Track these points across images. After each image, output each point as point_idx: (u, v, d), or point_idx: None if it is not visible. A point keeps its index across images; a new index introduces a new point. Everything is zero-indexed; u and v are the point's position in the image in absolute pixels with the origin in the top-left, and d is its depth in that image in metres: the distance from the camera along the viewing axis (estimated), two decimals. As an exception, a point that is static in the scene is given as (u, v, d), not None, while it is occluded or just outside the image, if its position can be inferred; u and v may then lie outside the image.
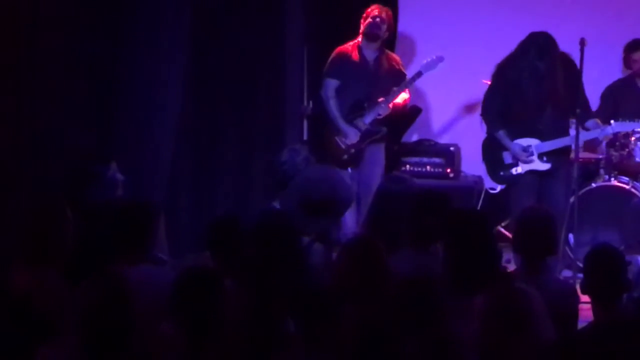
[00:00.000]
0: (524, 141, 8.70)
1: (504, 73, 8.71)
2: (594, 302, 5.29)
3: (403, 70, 9.43)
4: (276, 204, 8.64)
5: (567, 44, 8.77)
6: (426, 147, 10.61)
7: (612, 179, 9.32)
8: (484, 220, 5.87)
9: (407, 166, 10.46)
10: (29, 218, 6.13)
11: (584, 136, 8.73)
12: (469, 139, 10.48)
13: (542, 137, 8.67)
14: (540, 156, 8.68)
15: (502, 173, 8.84)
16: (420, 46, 10.19)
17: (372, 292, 5.22)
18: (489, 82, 8.88)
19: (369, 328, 4.80)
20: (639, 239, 8.97)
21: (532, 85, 8.53)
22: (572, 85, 8.56)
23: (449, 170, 10.44)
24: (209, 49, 9.66)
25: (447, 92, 10.72)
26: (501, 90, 8.76)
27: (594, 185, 9.31)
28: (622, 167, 9.31)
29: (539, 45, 8.48)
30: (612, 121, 8.84)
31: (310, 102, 10.23)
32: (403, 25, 10.69)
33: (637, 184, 9.31)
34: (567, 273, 8.44)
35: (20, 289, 5.43)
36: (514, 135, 8.71)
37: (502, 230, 9.62)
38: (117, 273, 5.32)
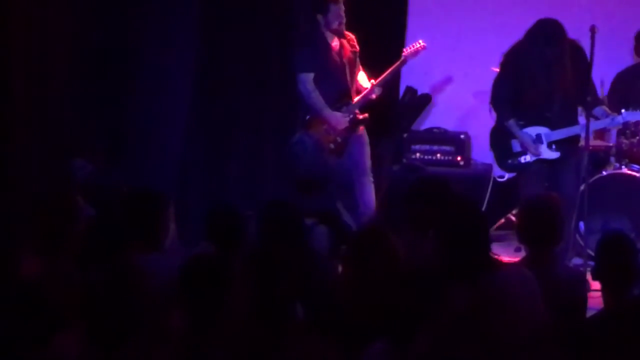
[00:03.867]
0: (533, 130, 8.65)
1: (513, 61, 8.66)
2: (604, 289, 5.31)
3: (356, 47, 9.33)
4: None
5: (577, 32, 8.74)
6: (436, 135, 10.60)
7: (623, 166, 9.28)
8: (474, 209, 5.86)
9: (417, 154, 10.44)
10: (39, 208, 6.16)
11: (594, 125, 8.67)
12: (479, 126, 10.42)
13: (551, 126, 8.61)
14: (549, 145, 8.63)
15: (510, 161, 8.81)
16: (431, 35, 10.14)
17: (381, 279, 5.19)
18: (498, 70, 8.84)
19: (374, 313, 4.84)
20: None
21: (541, 73, 8.47)
22: (582, 73, 8.50)
23: (459, 158, 10.43)
24: (219, 37, 9.68)
25: (457, 80, 10.76)
26: (510, 79, 8.69)
27: (604, 173, 9.26)
28: (632, 155, 9.26)
29: (547, 33, 8.42)
30: (622, 110, 8.78)
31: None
32: (413, 17, 10.70)
33: (648, 171, 9.28)
34: (577, 261, 8.42)
35: (30, 277, 5.46)
36: (523, 124, 8.66)
37: (512, 218, 9.59)
38: (128, 261, 5.36)
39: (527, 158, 8.70)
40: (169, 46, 9.43)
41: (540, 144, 8.62)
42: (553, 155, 8.62)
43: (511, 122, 8.68)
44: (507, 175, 8.98)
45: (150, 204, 6.16)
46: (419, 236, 6.15)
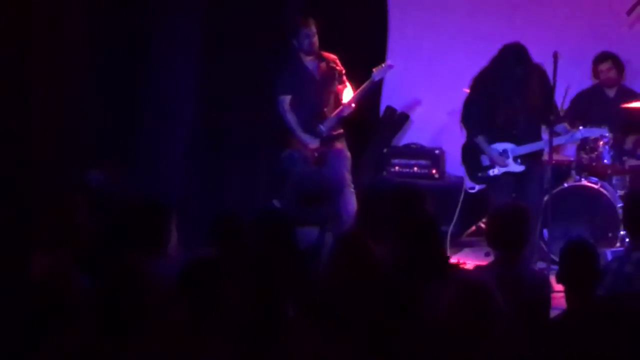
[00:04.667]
0: (500, 146, 8.65)
1: (484, 83, 8.68)
2: (568, 291, 5.26)
3: (339, 67, 9.33)
4: (276, 202, 8.68)
5: (541, 57, 8.73)
6: (413, 150, 10.58)
7: (583, 179, 9.29)
8: (429, 220, 5.84)
9: (397, 167, 10.40)
10: (47, 209, 6.11)
11: (556, 141, 8.69)
12: (452, 142, 10.43)
13: (517, 142, 8.62)
14: (515, 159, 8.64)
15: (480, 174, 8.80)
16: (409, 60, 10.11)
17: (361, 279, 5.22)
18: (468, 92, 8.80)
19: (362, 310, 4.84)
20: (606, 234, 8.96)
21: (512, 93, 8.50)
22: (545, 94, 8.53)
23: (434, 171, 10.40)
24: (218, 61, 9.67)
25: (432, 100, 10.74)
26: (481, 99, 8.69)
27: (566, 185, 9.29)
28: (591, 169, 9.30)
29: (515, 55, 8.43)
30: (580, 127, 8.80)
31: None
32: (393, 41, 10.66)
33: (605, 183, 9.29)
34: (541, 264, 8.37)
35: (37, 274, 5.41)
36: (491, 140, 8.66)
37: (482, 225, 9.55)
38: (133, 264, 5.29)
39: (495, 171, 8.70)
40: (172, 69, 9.45)
41: (506, 158, 8.57)
42: (518, 168, 8.63)
43: (480, 139, 8.67)
44: (477, 187, 8.98)
45: (155, 213, 6.13)
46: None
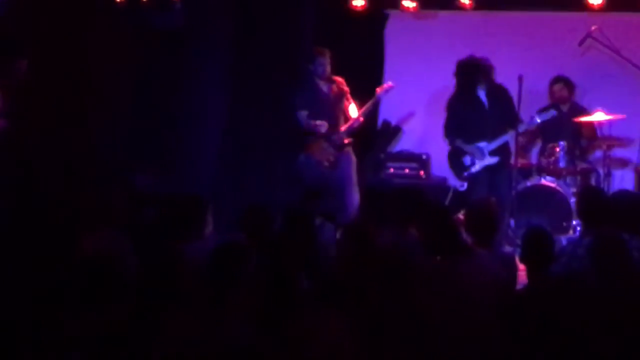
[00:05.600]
0: (476, 144, 8.78)
1: (455, 100, 8.82)
2: (529, 269, 5.30)
3: (345, 88, 9.30)
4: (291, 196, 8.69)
5: (507, 79, 8.80)
6: (405, 156, 10.56)
7: (542, 179, 9.26)
8: (445, 209, 5.89)
9: (391, 169, 10.42)
10: (97, 195, 6.14)
11: (520, 128, 8.77)
12: (437, 149, 10.49)
13: (489, 140, 8.71)
14: (489, 153, 8.72)
15: (465, 173, 8.88)
16: (401, 80, 10.13)
17: (364, 261, 5.19)
18: (446, 112, 8.96)
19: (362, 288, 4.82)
20: (561, 224, 8.95)
21: (483, 102, 8.63)
22: (507, 103, 8.71)
23: (422, 172, 10.39)
24: (245, 79, 9.63)
25: (420, 114, 10.71)
26: (455, 114, 8.81)
27: (528, 183, 9.24)
28: (549, 170, 9.29)
29: (478, 71, 8.63)
30: (535, 114, 9.01)
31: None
32: (388, 65, 10.68)
33: (561, 182, 9.27)
34: (508, 248, 8.38)
35: (88, 251, 5.40)
36: (469, 142, 8.76)
37: (461, 217, 9.57)
38: (175, 246, 5.35)
39: (477, 167, 8.80)
40: (204, 89, 9.40)
41: (482, 153, 8.72)
42: (493, 160, 8.72)
43: (459, 142, 8.81)
44: (465, 185, 9.02)
45: (194, 205, 6.15)
46: (399, 229, 6.13)
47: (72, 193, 7.54)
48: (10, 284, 4.85)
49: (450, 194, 9.83)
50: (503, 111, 8.70)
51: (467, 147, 8.75)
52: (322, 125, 9.17)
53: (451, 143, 8.94)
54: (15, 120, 7.52)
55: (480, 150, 8.73)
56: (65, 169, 8.11)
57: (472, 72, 8.68)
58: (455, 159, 8.95)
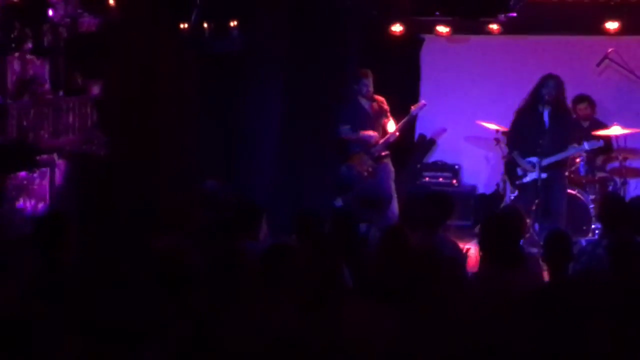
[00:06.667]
0: (529, 159, 8.48)
1: (519, 113, 8.59)
2: (550, 269, 5.29)
3: (385, 106, 9.26)
4: (338, 202, 8.71)
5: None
6: (439, 166, 10.56)
7: (565, 187, 9.16)
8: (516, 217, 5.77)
9: (427, 178, 10.44)
10: (171, 204, 6.18)
11: (570, 151, 8.52)
12: (467, 160, 10.54)
13: (541, 156, 8.39)
14: (540, 169, 8.42)
15: (517, 182, 8.66)
16: (435, 99, 10.15)
17: (401, 261, 5.18)
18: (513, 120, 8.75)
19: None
20: (581, 227, 8.88)
21: (544, 122, 8.41)
22: (566, 123, 8.48)
23: (454, 181, 10.39)
24: (296, 98, 9.66)
25: (453, 129, 10.70)
26: (516, 126, 8.61)
27: (552, 191, 9.17)
28: (570, 179, 9.07)
29: (546, 88, 8.35)
30: (584, 142, 8.62)
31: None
32: (423, 85, 10.70)
33: (581, 190, 9.16)
34: (534, 249, 8.34)
35: (160, 251, 5.41)
36: (524, 155, 8.51)
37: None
38: (235, 245, 5.39)
39: (527, 179, 8.52)
40: (262, 105, 9.44)
41: (533, 167, 8.44)
42: (543, 175, 8.39)
43: (515, 153, 8.58)
44: (516, 192, 8.90)
45: (250, 210, 6.19)
46: (429, 232, 6.13)
47: (150, 197, 7.64)
48: (92, 274, 4.90)
49: (476, 199, 9.80)
50: (561, 132, 8.40)
51: (520, 160, 8.55)
52: (373, 136, 9.20)
53: (509, 153, 8.76)
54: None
55: (532, 165, 8.49)
56: (145, 175, 8.21)
57: (537, 88, 8.42)
58: (511, 168, 8.79)
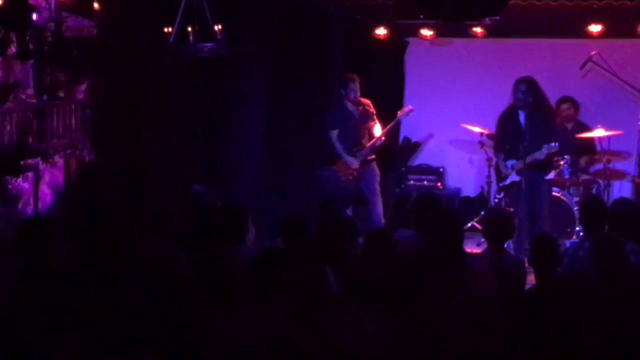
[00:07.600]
0: (509, 162, 8.61)
1: (500, 120, 8.70)
2: (536, 271, 5.27)
3: (372, 109, 9.26)
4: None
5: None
6: (423, 169, 10.60)
7: (549, 190, 9.19)
8: (453, 216, 5.73)
9: (411, 181, 10.47)
10: (157, 209, 6.19)
11: (529, 159, 8.44)
12: (451, 163, 10.55)
13: (519, 158, 8.47)
14: (516, 171, 8.53)
15: (500, 184, 8.81)
16: (420, 103, 10.16)
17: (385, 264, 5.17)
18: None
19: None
20: (565, 229, 8.89)
21: (520, 124, 8.46)
22: (544, 124, 8.46)
23: (439, 184, 10.43)
24: (281, 104, 9.69)
25: (437, 133, 10.73)
26: (498, 131, 8.74)
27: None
28: (554, 182, 9.10)
29: (518, 92, 8.41)
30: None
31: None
32: (408, 90, 10.71)
33: (565, 192, 9.19)
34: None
35: (149, 256, 5.41)
36: (505, 158, 8.64)
37: (475, 224, 9.58)
38: (220, 250, 5.37)
39: (506, 182, 8.67)
40: (246, 111, 9.47)
41: (511, 170, 8.59)
42: (516, 178, 8.51)
43: (498, 156, 8.74)
44: (502, 194, 8.95)
45: (237, 213, 6.11)
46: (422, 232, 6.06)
47: (136, 203, 7.63)
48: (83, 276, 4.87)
49: (460, 201, 9.85)
50: (538, 133, 8.40)
51: (501, 163, 8.66)
52: (378, 139, 9.19)
53: (496, 157, 8.88)
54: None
55: (508, 167, 8.60)
56: (129, 180, 8.19)
57: (512, 93, 8.48)
58: (497, 170, 8.91)
